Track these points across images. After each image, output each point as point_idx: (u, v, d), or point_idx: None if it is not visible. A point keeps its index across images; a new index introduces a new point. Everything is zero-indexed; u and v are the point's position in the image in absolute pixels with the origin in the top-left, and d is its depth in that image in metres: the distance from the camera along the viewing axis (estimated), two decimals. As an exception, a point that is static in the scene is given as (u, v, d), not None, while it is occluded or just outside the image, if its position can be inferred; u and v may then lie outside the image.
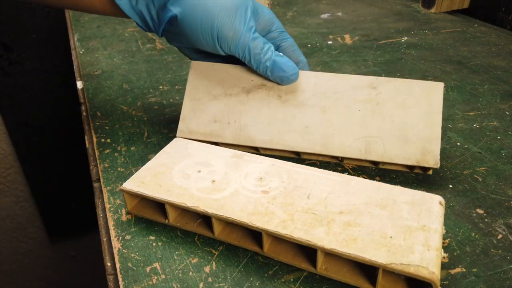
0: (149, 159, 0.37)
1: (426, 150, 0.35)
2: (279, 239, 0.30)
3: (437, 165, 0.35)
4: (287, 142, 0.38)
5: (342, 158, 0.38)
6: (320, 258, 0.28)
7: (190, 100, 0.42)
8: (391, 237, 0.27)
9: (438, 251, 0.26)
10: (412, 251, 0.26)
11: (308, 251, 0.30)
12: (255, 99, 0.40)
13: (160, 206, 0.34)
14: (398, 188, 0.31)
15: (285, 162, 0.35)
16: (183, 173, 0.33)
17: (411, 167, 0.38)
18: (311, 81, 0.39)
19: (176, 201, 0.31)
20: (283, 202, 0.30)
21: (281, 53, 0.38)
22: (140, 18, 0.38)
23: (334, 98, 0.38)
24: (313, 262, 0.29)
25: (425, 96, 0.36)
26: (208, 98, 0.41)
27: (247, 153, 0.36)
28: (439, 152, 0.35)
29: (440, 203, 0.30)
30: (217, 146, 0.37)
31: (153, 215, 0.33)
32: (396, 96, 0.37)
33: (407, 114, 0.36)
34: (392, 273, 0.27)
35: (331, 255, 0.28)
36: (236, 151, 0.36)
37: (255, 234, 0.31)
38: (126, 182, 0.33)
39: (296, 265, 0.29)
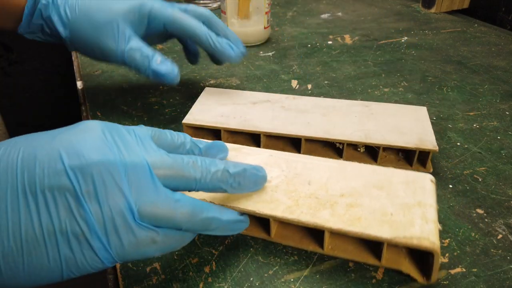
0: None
1: (422, 139, 0.38)
2: (284, 225, 0.31)
3: (436, 149, 0.36)
4: (290, 129, 0.39)
5: (343, 145, 0.39)
6: (326, 238, 0.29)
7: (200, 105, 0.44)
8: (391, 214, 0.28)
9: (436, 224, 0.28)
10: (413, 225, 0.27)
11: (314, 234, 0.31)
12: (260, 107, 0.43)
13: None
14: (392, 170, 0.33)
15: (283, 152, 0.35)
16: None
17: (410, 163, 0.38)
18: (311, 101, 0.44)
19: None
20: (286, 190, 0.31)
21: (159, 59, 0.40)
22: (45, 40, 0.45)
23: (332, 110, 0.43)
24: (320, 244, 0.30)
25: (412, 112, 0.42)
26: (217, 105, 0.44)
27: (244, 146, 0.36)
28: (434, 141, 0.37)
29: (431, 180, 0.31)
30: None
31: None
32: (386, 111, 0.42)
33: (399, 121, 0.40)
34: (394, 247, 0.29)
35: (336, 235, 0.30)
36: (233, 144, 0.36)
37: (261, 222, 0.32)
38: None
39: (304, 248, 0.30)
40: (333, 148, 0.40)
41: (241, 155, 0.35)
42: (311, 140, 0.40)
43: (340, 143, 0.39)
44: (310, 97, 0.46)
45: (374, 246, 0.30)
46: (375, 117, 0.41)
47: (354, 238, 0.30)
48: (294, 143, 0.41)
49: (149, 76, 0.40)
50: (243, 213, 0.29)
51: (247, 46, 0.66)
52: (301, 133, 0.39)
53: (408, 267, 0.28)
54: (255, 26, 0.64)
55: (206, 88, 0.48)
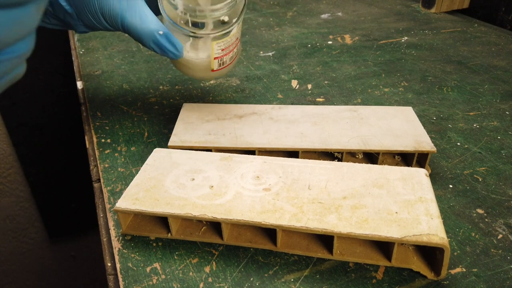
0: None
1: (418, 140, 0.38)
2: (289, 233, 0.31)
3: (434, 150, 0.36)
4: (286, 143, 0.38)
5: (342, 154, 0.38)
6: (335, 244, 0.29)
7: (182, 124, 0.42)
8: (396, 212, 0.29)
9: (440, 218, 0.28)
10: (419, 222, 0.28)
11: (321, 239, 0.30)
12: (248, 121, 0.42)
13: (159, 220, 0.33)
14: (386, 167, 0.33)
15: (276, 157, 0.35)
16: (177, 183, 0.33)
17: (408, 165, 0.38)
18: (298, 110, 0.44)
19: (181, 213, 0.30)
20: (287, 196, 0.31)
21: (161, 32, 0.37)
22: (58, 26, 0.41)
23: (321, 118, 0.42)
24: (327, 248, 0.30)
25: (400, 113, 0.42)
26: (201, 122, 0.42)
27: (234, 154, 0.35)
28: (431, 142, 0.37)
29: (426, 174, 0.32)
30: (202, 152, 0.36)
31: (152, 232, 0.32)
32: (375, 114, 0.42)
33: (390, 123, 0.40)
34: (402, 245, 0.29)
35: (343, 239, 0.30)
36: (223, 153, 0.36)
37: (265, 232, 0.31)
38: (119, 201, 0.31)
39: (312, 255, 0.30)
40: (331, 157, 0.40)
41: (234, 163, 0.34)
42: (308, 151, 0.39)
43: (339, 152, 0.39)
44: (295, 105, 0.45)
45: (381, 245, 0.30)
46: (366, 122, 0.41)
47: (361, 240, 0.30)
48: (289, 155, 0.40)
49: (152, 48, 0.38)
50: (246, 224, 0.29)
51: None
52: (298, 145, 0.38)
53: (418, 265, 0.29)
54: (200, 57, 0.41)
55: (185, 104, 0.45)
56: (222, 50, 0.39)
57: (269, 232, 0.31)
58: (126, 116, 0.48)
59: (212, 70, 0.41)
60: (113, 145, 0.43)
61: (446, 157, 0.41)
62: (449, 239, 0.32)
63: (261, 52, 0.66)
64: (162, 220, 0.32)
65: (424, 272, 0.28)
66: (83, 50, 0.66)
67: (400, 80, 0.56)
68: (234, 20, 0.38)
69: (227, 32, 0.38)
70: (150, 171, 0.34)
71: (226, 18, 0.37)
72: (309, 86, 0.55)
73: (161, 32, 0.37)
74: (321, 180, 0.32)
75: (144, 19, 0.36)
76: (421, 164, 0.38)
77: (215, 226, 0.32)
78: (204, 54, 0.39)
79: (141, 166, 0.37)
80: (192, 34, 0.37)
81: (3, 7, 0.18)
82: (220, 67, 0.41)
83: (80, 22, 0.39)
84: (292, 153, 0.39)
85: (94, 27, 0.39)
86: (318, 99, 0.52)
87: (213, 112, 0.43)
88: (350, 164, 0.34)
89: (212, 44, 0.38)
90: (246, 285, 0.28)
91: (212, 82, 0.56)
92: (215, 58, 0.39)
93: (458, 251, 0.31)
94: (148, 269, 0.30)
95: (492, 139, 0.44)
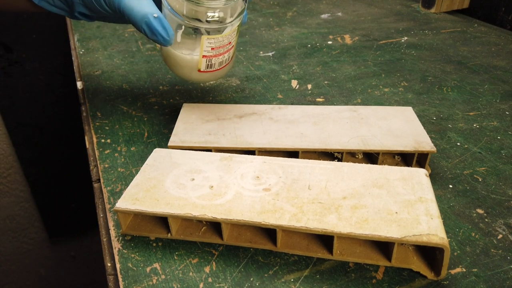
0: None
1: (418, 140, 0.38)
2: (289, 233, 0.31)
3: (434, 150, 0.37)
4: (285, 143, 0.38)
5: (342, 154, 0.38)
6: (335, 244, 0.29)
7: (182, 124, 0.42)
8: (396, 212, 0.29)
9: (440, 218, 0.28)
10: (419, 222, 0.28)
11: (321, 239, 0.30)
12: (248, 121, 0.42)
13: (158, 220, 0.33)
14: (386, 167, 0.33)
15: (276, 157, 0.35)
16: (177, 184, 0.33)
17: (408, 165, 0.38)
18: (298, 110, 0.44)
19: (181, 213, 0.30)
20: (287, 197, 0.31)
21: (155, 14, 0.37)
22: (61, 9, 0.43)
23: (321, 118, 0.42)
24: (327, 248, 0.30)
25: (400, 113, 0.42)
26: (201, 122, 0.42)
27: (234, 154, 0.35)
28: (431, 142, 0.37)
29: (426, 175, 0.32)
30: (202, 152, 0.36)
31: (152, 232, 0.32)
32: (375, 114, 0.42)
33: (390, 123, 0.40)
34: (402, 245, 0.29)
35: (343, 239, 0.30)
36: (223, 153, 0.36)
37: (265, 232, 0.31)
38: (119, 201, 0.31)
39: (312, 255, 0.30)
40: (331, 157, 0.40)
41: (234, 163, 0.34)
42: (308, 151, 0.39)
43: (338, 152, 0.39)
44: (295, 105, 0.45)
45: (381, 245, 0.30)
46: (366, 122, 0.41)
47: (361, 240, 0.30)
48: (289, 155, 0.40)
49: (143, 30, 0.38)
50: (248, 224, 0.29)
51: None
52: (297, 145, 0.38)
53: (418, 265, 0.29)
54: (189, 53, 0.41)
55: (185, 104, 0.45)
56: (212, 49, 0.39)
57: (269, 232, 0.31)
58: (126, 116, 0.48)
59: (199, 71, 0.41)
60: (113, 145, 0.43)
61: (446, 157, 0.41)
62: (449, 239, 0.32)
63: (261, 52, 0.66)
64: (162, 220, 0.32)
65: (424, 272, 0.28)
66: (83, 50, 0.66)
67: (400, 80, 0.56)
68: (228, 20, 0.38)
69: (220, 30, 0.38)
70: (150, 171, 0.34)
71: (221, 14, 0.37)
72: (309, 86, 0.55)
73: (155, 15, 0.37)
74: (321, 180, 0.32)
75: (141, 1, 0.37)
76: (421, 164, 0.38)
77: (215, 226, 0.32)
78: (194, 50, 0.40)
79: (141, 166, 0.37)
80: (185, 22, 0.37)
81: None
82: (208, 70, 0.41)
83: (81, 0, 0.40)
84: (292, 153, 0.39)
85: (92, 7, 0.40)
86: (318, 99, 0.52)
87: (213, 112, 0.43)
88: (350, 164, 0.34)
89: (203, 38, 0.38)
90: (246, 285, 0.28)
91: (212, 82, 0.56)
92: (203, 57, 0.39)
93: (458, 251, 0.31)
94: (148, 269, 0.30)
95: (492, 139, 0.44)
